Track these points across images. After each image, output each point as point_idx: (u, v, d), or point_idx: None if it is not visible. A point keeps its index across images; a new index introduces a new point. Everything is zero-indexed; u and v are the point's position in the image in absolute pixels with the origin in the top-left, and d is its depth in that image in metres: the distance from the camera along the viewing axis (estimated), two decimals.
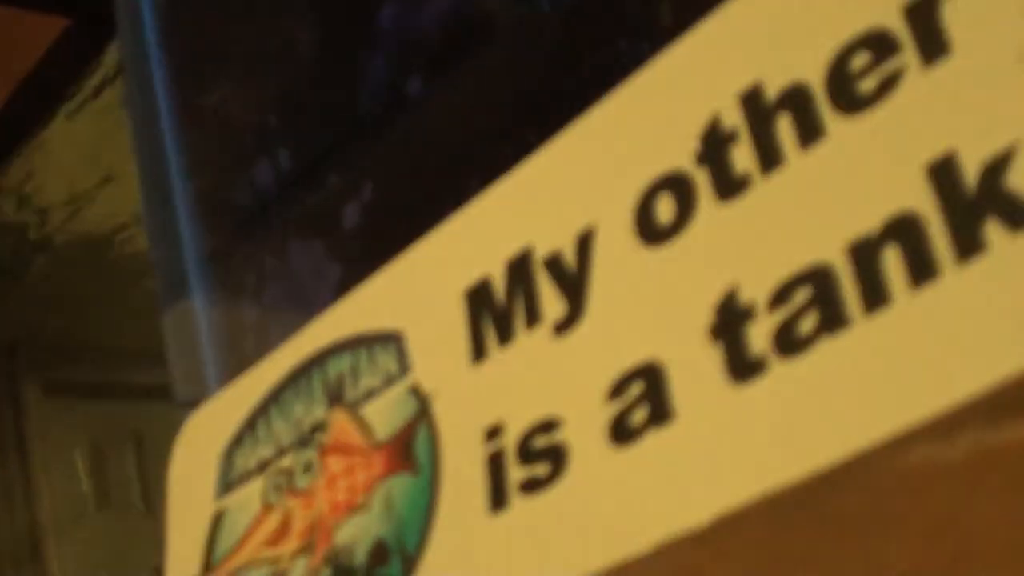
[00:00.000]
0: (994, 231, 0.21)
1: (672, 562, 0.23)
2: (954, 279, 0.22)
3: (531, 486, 0.27)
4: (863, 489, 0.20)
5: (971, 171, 0.22)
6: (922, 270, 0.22)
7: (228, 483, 0.35)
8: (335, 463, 0.32)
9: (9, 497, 1.22)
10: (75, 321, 1.37)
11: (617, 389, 0.26)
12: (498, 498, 0.27)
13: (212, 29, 0.76)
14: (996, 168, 0.22)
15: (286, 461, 0.33)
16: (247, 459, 0.35)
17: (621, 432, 0.26)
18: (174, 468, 0.37)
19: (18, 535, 1.21)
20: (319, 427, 0.33)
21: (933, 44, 0.24)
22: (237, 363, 0.67)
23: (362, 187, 0.58)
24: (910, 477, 0.20)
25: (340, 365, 0.33)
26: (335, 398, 0.33)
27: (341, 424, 0.32)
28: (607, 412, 0.26)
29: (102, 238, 1.22)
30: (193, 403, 0.55)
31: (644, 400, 0.25)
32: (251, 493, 0.34)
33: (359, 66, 0.65)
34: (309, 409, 0.33)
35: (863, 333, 0.23)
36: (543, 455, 0.27)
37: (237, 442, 0.35)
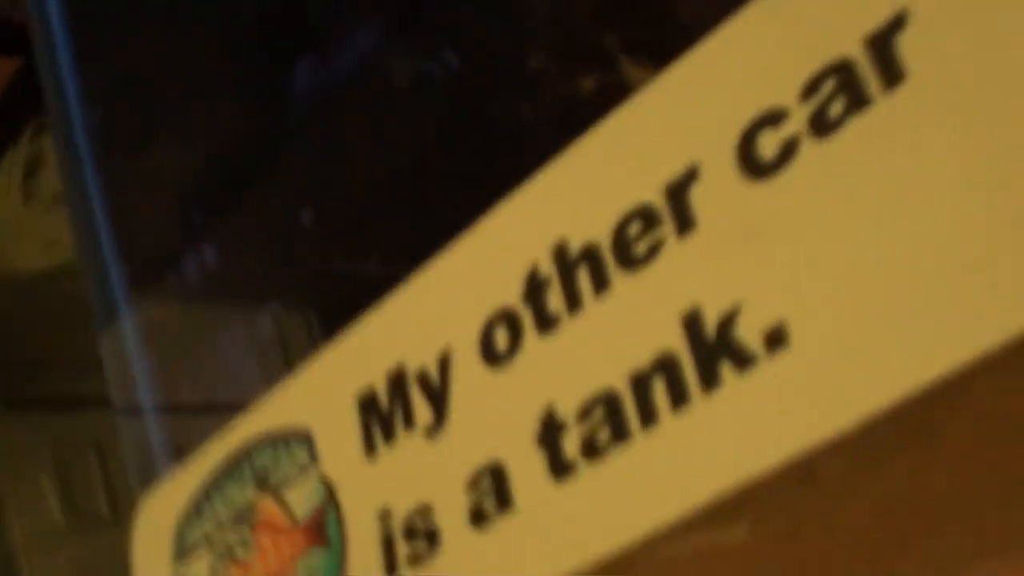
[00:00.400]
0: (727, 370, 0.29)
1: None
2: (701, 405, 0.30)
3: (414, 560, 0.35)
4: (631, 571, 0.28)
5: (711, 322, 0.30)
6: (679, 397, 0.30)
7: (182, 553, 0.43)
8: (265, 539, 0.40)
9: None
10: (28, 336, 1.42)
11: (473, 483, 0.34)
12: (391, 569, 0.35)
13: (134, 89, 0.83)
14: (728, 321, 0.30)
15: (227, 536, 0.41)
16: (195, 533, 0.42)
17: (478, 517, 0.34)
18: (136, 541, 0.45)
19: None
20: (250, 508, 0.41)
21: (684, 219, 0.31)
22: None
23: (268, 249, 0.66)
24: (664, 564, 0.28)
25: (264, 457, 0.41)
26: (262, 484, 0.40)
27: (267, 506, 0.40)
28: (467, 501, 0.34)
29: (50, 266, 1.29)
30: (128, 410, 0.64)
31: (492, 492, 0.33)
32: (201, 563, 0.42)
33: (274, 122, 0.72)
34: (242, 493, 0.41)
35: (640, 445, 0.31)
36: (421, 535, 0.35)
37: (187, 519, 0.43)
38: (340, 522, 0.37)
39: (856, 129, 0.29)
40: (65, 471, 1.36)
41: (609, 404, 0.31)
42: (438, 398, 0.36)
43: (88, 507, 1.33)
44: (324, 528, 0.38)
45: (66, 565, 1.27)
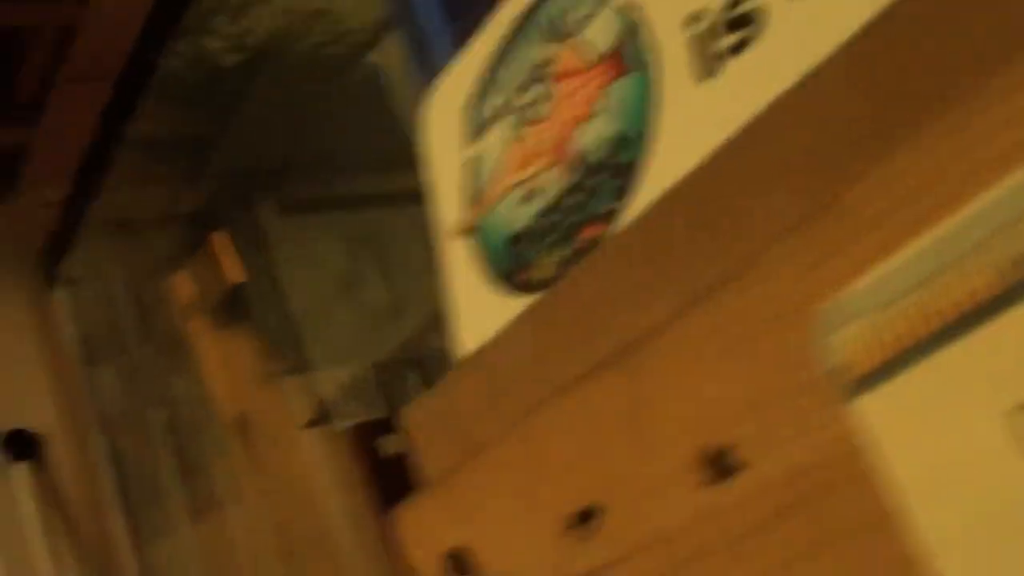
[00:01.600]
0: None
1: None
2: None
3: (735, 48, 0.32)
4: None
5: None
6: None
7: (474, 132, 0.41)
8: (565, 87, 0.37)
9: (264, 299, 1.33)
10: (299, 141, 1.44)
11: None
12: (706, 70, 0.32)
13: None
14: None
15: (523, 98, 0.39)
16: (488, 107, 0.40)
17: None
18: (427, 133, 0.43)
19: (275, 326, 1.32)
20: (547, 62, 0.38)
21: None
22: None
23: None
24: None
25: (553, 6, 0.38)
26: (555, 34, 0.38)
27: (565, 54, 0.37)
28: None
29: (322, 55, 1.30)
30: None
31: None
32: (496, 135, 0.40)
33: None
34: (536, 49, 0.39)
35: None
36: (742, 22, 0.32)
37: (479, 95, 0.41)
38: (644, 42, 0.34)
39: None
40: (342, 258, 1.39)
41: None
42: None
43: (363, 287, 1.35)
44: (627, 54, 0.35)
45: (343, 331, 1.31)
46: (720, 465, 0.29)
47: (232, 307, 1.31)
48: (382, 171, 1.39)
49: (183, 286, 1.34)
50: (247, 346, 1.29)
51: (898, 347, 0.25)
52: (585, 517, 0.34)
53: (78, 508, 1.50)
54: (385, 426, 0.41)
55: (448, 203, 0.41)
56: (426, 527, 0.39)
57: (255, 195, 1.44)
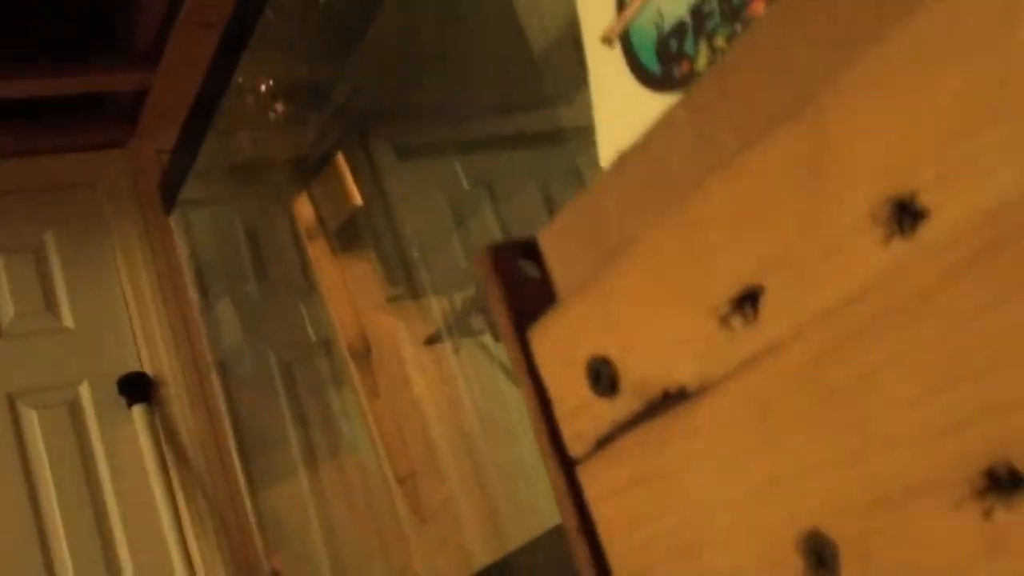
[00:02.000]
0: None
1: None
2: None
3: None
4: None
5: None
6: None
7: None
8: None
9: (379, 242, 1.33)
10: (416, 83, 1.43)
11: None
12: None
13: None
14: None
15: None
16: None
17: None
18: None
19: (390, 258, 1.33)
20: None
21: None
22: None
23: None
24: None
25: None
26: None
27: None
28: None
29: None
30: None
31: None
32: None
33: None
34: None
35: None
36: None
37: None
38: None
39: None
40: (458, 202, 1.38)
41: None
42: None
43: (478, 225, 1.34)
44: None
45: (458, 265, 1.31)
46: (907, 213, 0.27)
47: (351, 232, 1.31)
48: (494, 114, 1.38)
49: (305, 210, 1.35)
50: (366, 271, 1.29)
51: None
52: (743, 301, 0.31)
53: (194, 450, 1.50)
54: (528, 248, 0.39)
55: (596, 11, 0.39)
56: (560, 341, 0.37)
57: (369, 138, 1.44)
